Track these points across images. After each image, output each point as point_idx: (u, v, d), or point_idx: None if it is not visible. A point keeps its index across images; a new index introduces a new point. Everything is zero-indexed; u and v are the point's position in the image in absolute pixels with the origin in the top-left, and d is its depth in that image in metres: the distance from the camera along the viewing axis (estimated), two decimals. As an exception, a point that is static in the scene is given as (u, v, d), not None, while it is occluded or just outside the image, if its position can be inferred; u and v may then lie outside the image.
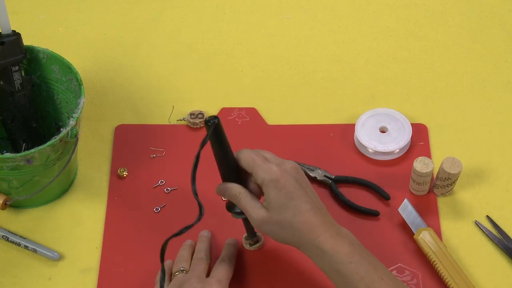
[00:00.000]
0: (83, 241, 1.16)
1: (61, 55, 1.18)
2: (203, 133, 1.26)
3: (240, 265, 1.13)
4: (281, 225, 1.01)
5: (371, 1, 1.44)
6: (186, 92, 1.32)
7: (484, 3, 1.43)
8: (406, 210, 1.15)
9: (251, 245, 1.14)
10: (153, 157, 1.24)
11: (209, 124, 0.99)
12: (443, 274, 1.10)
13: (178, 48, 1.38)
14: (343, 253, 0.98)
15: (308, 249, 1.01)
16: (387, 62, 1.36)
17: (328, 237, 0.99)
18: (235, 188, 1.05)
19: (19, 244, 1.14)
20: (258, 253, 1.14)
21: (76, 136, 1.11)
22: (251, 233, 1.13)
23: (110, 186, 1.21)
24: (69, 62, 1.17)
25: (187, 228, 1.00)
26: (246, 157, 1.04)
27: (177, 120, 1.28)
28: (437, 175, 1.17)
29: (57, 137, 1.09)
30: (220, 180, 1.08)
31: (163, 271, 1.00)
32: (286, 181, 1.02)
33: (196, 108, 1.29)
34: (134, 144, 1.25)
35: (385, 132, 1.25)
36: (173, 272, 1.08)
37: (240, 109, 1.29)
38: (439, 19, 1.41)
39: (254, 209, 1.03)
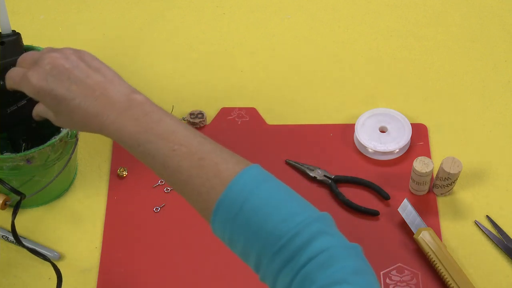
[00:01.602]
0: (83, 241, 1.16)
1: (61, 55, 1.18)
2: (203, 133, 1.26)
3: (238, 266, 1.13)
4: (68, 126, 0.90)
5: (371, 1, 1.44)
6: (186, 92, 1.32)
7: (484, 3, 1.43)
8: (406, 210, 1.15)
9: None
10: (153, 157, 1.24)
11: None
12: (443, 274, 1.10)
13: (178, 48, 1.38)
14: (133, 134, 0.86)
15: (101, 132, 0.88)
16: (387, 62, 1.36)
17: (118, 117, 0.87)
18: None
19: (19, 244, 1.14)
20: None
21: (76, 136, 1.11)
22: None
23: (110, 186, 1.21)
24: (69, 62, 1.16)
25: None
26: (11, 76, 0.93)
27: (177, 120, 1.27)
28: (437, 175, 1.17)
29: (57, 137, 1.09)
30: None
31: None
32: (43, 86, 0.88)
33: (196, 108, 1.29)
34: (134, 144, 1.25)
35: (385, 132, 1.25)
36: None
37: (240, 109, 1.29)
38: (439, 19, 1.41)
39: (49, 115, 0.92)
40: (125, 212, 1.19)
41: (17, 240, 1.10)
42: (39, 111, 0.94)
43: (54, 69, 0.89)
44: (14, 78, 0.93)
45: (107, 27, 1.41)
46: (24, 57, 0.93)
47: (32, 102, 1.15)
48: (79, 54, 0.92)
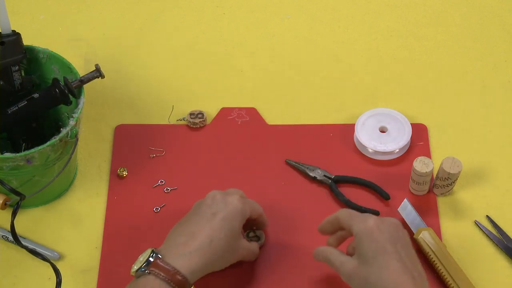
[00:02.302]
0: (83, 241, 1.16)
1: (61, 55, 1.18)
2: (203, 133, 1.27)
3: (240, 264, 1.13)
4: (367, 280, 0.98)
5: (371, 1, 1.44)
6: (186, 92, 1.32)
7: (484, 3, 1.43)
8: (406, 210, 1.15)
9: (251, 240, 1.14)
10: (153, 157, 1.24)
11: None
12: (442, 274, 1.10)
13: (178, 48, 1.38)
14: None
15: None
16: (387, 62, 1.36)
17: None
18: (325, 249, 1.06)
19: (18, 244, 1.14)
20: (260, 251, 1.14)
21: (76, 136, 1.11)
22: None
23: (110, 186, 1.21)
24: (69, 62, 1.17)
25: None
26: (344, 212, 1.05)
27: (177, 120, 1.28)
28: (437, 175, 1.17)
29: (57, 137, 1.09)
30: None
31: None
32: (380, 235, 1.00)
33: (196, 108, 1.29)
34: (134, 144, 1.25)
35: (385, 132, 1.25)
36: None
37: (240, 109, 1.29)
38: (439, 19, 1.41)
39: (343, 263, 1.02)
40: (125, 212, 1.19)
41: (17, 240, 1.10)
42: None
43: None
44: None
45: (107, 27, 1.41)
46: None
47: (32, 103, 1.15)
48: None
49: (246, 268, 1.13)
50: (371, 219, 1.01)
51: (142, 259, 1.01)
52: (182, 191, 1.20)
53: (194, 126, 1.27)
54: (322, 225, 1.09)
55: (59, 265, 1.11)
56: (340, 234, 1.08)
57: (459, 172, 1.15)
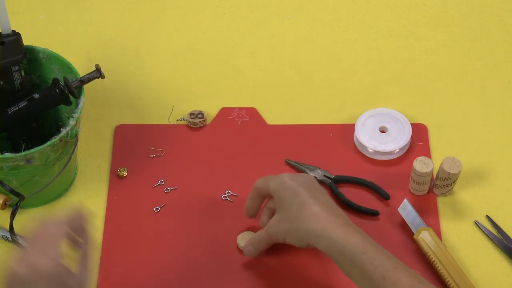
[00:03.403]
0: (83, 241, 1.16)
1: (61, 55, 1.18)
2: (203, 133, 1.27)
3: (239, 263, 1.13)
4: (291, 223, 1.05)
5: (371, 1, 1.44)
6: (186, 92, 1.32)
7: (484, 3, 1.43)
8: (406, 210, 1.15)
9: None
10: (153, 157, 1.24)
11: None
12: (442, 274, 1.10)
13: (178, 48, 1.38)
14: (353, 243, 0.99)
15: (320, 242, 1.02)
16: (387, 62, 1.36)
17: (337, 226, 1.01)
18: (247, 238, 1.12)
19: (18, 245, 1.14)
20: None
21: (76, 136, 1.11)
22: None
23: (110, 186, 1.21)
24: (69, 62, 1.17)
25: None
26: (259, 180, 1.11)
27: (177, 120, 1.28)
28: (437, 175, 1.17)
29: (57, 137, 1.09)
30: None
31: None
32: (293, 183, 1.06)
33: (196, 108, 1.29)
34: (134, 144, 1.25)
35: (385, 132, 1.25)
36: None
37: (240, 109, 1.29)
38: (439, 19, 1.41)
39: (269, 227, 1.08)
40: (125, 212, 1.18)
41: (15, 241, 1.10)
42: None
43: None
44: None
45: (107, 27, 1.40)
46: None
47: (32, 104, 1.15)
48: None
49: (246, 268, 1.13)
50: (285, 175, 1.08)
51: None
52: (182, 191, 1.20)
53: (194, 126, 1.27)
54: (247, 206, 1.14)
55: (59, 265, 1.11)
56: (266, 207, 1.12)
57: (459, 172, 1.15)
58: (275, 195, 1.08)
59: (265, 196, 1.12)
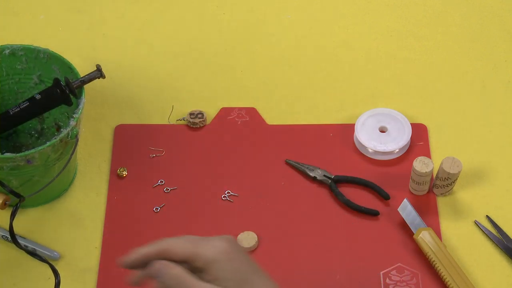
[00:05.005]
0: (82, 241, 1.16)
1: (61, 55, 1.18)
2: (203, 133, 1.27)
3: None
4: None
5: (371, 1, 1.44)
6: (186, 92, 1.32)
7: (484, 3, 1.43)
8: (406, 210, 1.15)
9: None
10: (153, 157, 1.24)
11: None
12: (442, 274, 1.10)
13: (178, 48, 1.38)
14: None
15: None
16: (387, 62, 1.36)
17: None
18: (176, 268, 0.86)
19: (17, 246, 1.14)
20: (252, 254, 1.14)
21: (76, 136, 1.11)
22: None
23: (110, 186, 1.21)
24: (69, 62, 1.17)
25: None
26: (180, 245, 0.88)
27: (177, 120, 1.28)
28: (436, 175, 1.17)
29: (57, 137, 1.09)
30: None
31: None
32: (237, 253, 0.87)
33: (196, 108, 1.29)
34: (133, 144, 1.25)
35: (384, 132, 1.25)
36: None
37: (240, 109, 1.29)
38: (439, 19, 1.41)
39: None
40: (125, 212, 1.19)
41: (15, 242, 1.10)
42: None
43: None
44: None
45: (107, 27, 1.40)
46: None
47: (34, 104, 1.15)
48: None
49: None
50: (215, 241, 0.88)
51: None
52: (182, 191, 1.20)
53: (194, 126, 1.27)
54: (130, 259, 0.89)
55: (58, 265, 1.11)
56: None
57: (459, 172, 1.15)
58: (215, 266, 0.86)
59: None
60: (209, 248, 0.87)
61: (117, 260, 0.88)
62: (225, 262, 0.86)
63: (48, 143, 1.08)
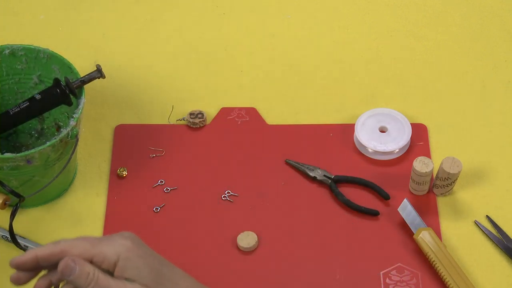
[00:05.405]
0: (83, 241, 1.16)
1: (61, 55, 1.18)
2: (203, 133, 1.27)
3: (237, 266, 1.13)
4: None
5: (371, 1, 1.44)
6: (186, 92, 1.32)
7: (484, 3, 1.43)
8: (406, 210, 1.15)
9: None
10: (153, 157, 1.24)
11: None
12: (442, 274, 1.10)
13: (178, 48, 1.38)
14: None
15: None
16: (387, 62, 1.36)
17: None
18: (89, 266, 0.80)
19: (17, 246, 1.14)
20: (252, 254, 1.14)
21: (76, 136, 1.11)
22: None
23: (110, 186, 1.21)
24: (69, 62, 1.17)
25: None
26: (78, 245, 0.82)
27: (177, 120, 1.28)
28: (436, 175, 1.17)
29: (57, 137, 1.09)
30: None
31: None
32: (143, 248, 0.84)
33: (196, 108, 1.29)
34: (133, 144, 1.25)
35: (384, 132, 1.25)
36: None
37: (240, 109, 1.29)
38: (439, 19, 1.41)
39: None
40: (125, 212, 1.19)
41: (15, 242, 1.10)
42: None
43: None
44: None
45: (107, 27, 1.40)
46: None
47: (34, 104, 1.15)
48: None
49: (246, 268, 1.13)
50: (117, 238, 0.83)
51: None
52: (182, 191, 1.20)
53: (194, 126, 1.27)
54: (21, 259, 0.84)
55: (59, 265, 1.11)
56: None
57: (459, 172, 1.15)
58: (125, 264, 0.82)
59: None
60: (114, 247, 0.82)
61: (10, 260, 0.82)
62: (136, 259, 0.82)
63: (48, 143, 1.08)
